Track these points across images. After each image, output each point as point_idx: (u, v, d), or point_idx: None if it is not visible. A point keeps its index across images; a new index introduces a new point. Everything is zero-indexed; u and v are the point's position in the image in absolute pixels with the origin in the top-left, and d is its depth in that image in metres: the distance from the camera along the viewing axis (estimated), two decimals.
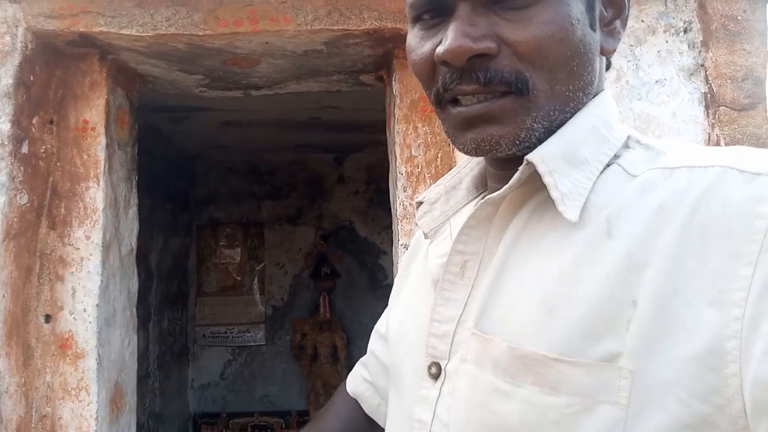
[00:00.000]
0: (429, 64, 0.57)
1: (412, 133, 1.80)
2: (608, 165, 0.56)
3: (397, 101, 1.83)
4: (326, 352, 4.01)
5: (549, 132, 0.56)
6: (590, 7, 0.57)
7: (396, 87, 1.83)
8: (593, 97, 0.60)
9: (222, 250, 4.28)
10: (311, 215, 4.40)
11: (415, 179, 1.79)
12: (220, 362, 4.29)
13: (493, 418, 0.51)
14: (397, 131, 1.82)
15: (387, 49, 1.85)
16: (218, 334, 4.26)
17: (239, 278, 4.30)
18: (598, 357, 0.47)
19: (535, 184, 0.55)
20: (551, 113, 0.55)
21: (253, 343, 4.28)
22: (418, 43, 0.59)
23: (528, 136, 0.55)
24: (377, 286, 4.30)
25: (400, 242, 1.80)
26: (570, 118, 0.57)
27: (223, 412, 4.19)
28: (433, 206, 0.68)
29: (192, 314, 4.26)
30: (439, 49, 0.55)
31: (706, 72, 1.58)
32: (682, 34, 1.59)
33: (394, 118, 1.85)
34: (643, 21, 1.60)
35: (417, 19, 0.59)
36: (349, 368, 3.79)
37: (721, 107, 1.55)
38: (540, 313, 0.51)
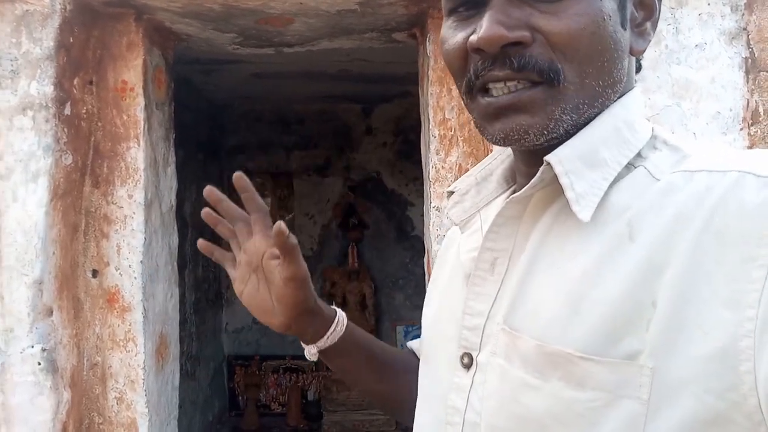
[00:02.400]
0: (461, 53, 0.59)
1: (446, 96, 1.80)
2: (635, 167, 0.58)
3: (431, 62, 1.83)
4: (355, 301, 4.12)
5: (577, 125, 0.57)
6: (621, 6, 0.58)
7: (430, 48, 1.82)
8: (621, 97, 0.61)
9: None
10: (339, 166, 4.42)
11: (448, 142, 1.81)
12: None
13: (523, 409, 0.55)
14: (431, 93, 1.82)
15: (421, 9, 1.83)
16: None
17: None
18: (620, 355, 0.50)
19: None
20: (580, 106, 0.57)
21: None
22: (451, 34, 0.60)
23: (556, 126, 0.57)
24: (404, 237, 4.36)
25: (432, 204, 1.83)
26: (597, 113, 0.58)
27: (256, 354, 4.35)
28: (464, 197, 0.70)
29: None
30: (473, 37, 0.56)
31: (748, 36, 1.54)
32: None
33: (428, 79, 1.85)
34: None
35: (452, 12, 0.61)
36: (377, 316, 3.92)
37: (762, 72, 1.52)
38: (565, 313, 0.54)
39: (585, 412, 0.51)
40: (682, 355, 0.48)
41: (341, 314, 0.82)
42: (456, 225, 0.72)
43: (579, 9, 0.55)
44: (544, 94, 0.56)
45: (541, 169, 0.57)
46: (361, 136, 4.42)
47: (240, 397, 4.31)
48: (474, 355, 0.61)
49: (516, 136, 0.57)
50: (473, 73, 0.58)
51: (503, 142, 0.59)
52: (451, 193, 0.72)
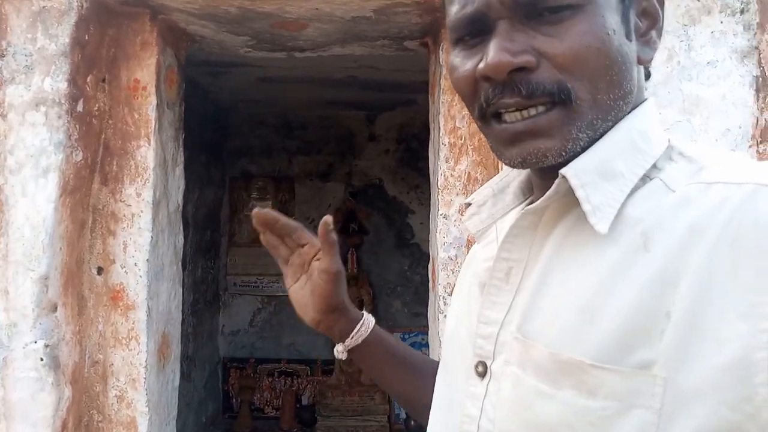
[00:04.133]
0: (471, 81, 0.60)
1: (457, 104, 1.82)
2: (650, 179, 0.58)
3: (443, 71, 1.84)
4: None
5: (593, 141, 0.58)
6: (625, 18, 0.59)
7: (443, 57, 1.84)
8: (634, 108, 0.61)
9: (253, 202, 4.36)
10: (341, 172, 4.43)
11: (458, 150, 1.82)
12: (249, 310, 4.43)
13: (535, 417, 0.55)
14: (442, 102, 1.84)
15: (435, 18, 1.85)
16: (248, 284, 4.38)
17: None
18: (633, 365, 0.50)
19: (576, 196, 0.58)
20: (594, 122, 0.57)
21: (281, 293, 4.39)
22: (460, 62, 0.61)
23: (574, 146, 0.57)
24: (404, 244, 4.37)
25: (440, 212, 1.84)
26: (611, 126, 0.59)
27: (251, 357, 4.34)
28: (481, 209, 0.71)
29: (224, 263, 4.37)
30: (481, 65, 0.58)
31: (759, 55, 1.56)
32: (738, 14, 1.57)
33: (440, 88, 1.86)
34: (699, 0, 1.58)
35: (458, 41, 0.62)
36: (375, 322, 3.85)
37: None
38: (579, 322, 0.54)
39: (596, 421, 0.51)
40: (695, 366, 0.48)
41: (368, 317, 0.88)
42: (472, 235, 0.73)
43: (581, 28, 0.56)
44: (560, 116, 0.56)
45: (556, 181, 0.57)
46: (364, 143, 4.44)
47: (234, 400, 4.29)
48: (488, 363, 0.61)
49: (534, 160, 0.58)
50: (484, 100, 0.59)
51: (521, 165, 0.60)
52: (469, 204, 0.73)
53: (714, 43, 1.57)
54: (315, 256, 0.86)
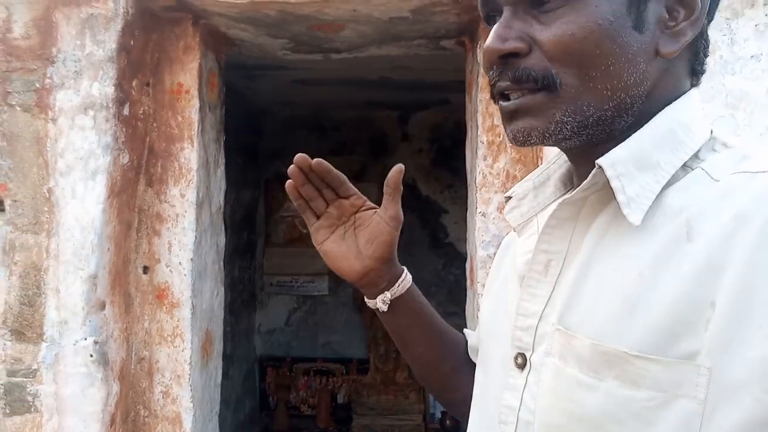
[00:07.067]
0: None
1: None
2: (692, 169, 0.58)
3: (481, 69, 1.85)
4: None
5: (584, 126, 0.59)
6: (635, 9, 0.58)
7: (480, 55, 1.84)
8: (674, 100, 0.61)
9: (289, 203, 4.40)
10: (374, 172, 4.45)
11: (497, 148, 1.82)
12: (285, 310, 4.48)
13: (577, 408, 0.55)
14: (480, 99, 1.84)
15: (472, 17, 1.86)
16: (284, 283, 4.44)
17: (304, 231, 4.43)
18: (677, 355, 0.50)
19: None
20: (584, 108, 0.58)
21: (316, 293, 4.44)
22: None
23: (558, 129, 0.59)
24: (438, 244, 4.37)
25: (478, 210, 1.84)
26: (611, 116, 0.59)
27: (287, 356, 4.40)
28: (522, 202, 0.72)
29: (260, 264, 4.43)
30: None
31: None
32: None
33: (477, 85, 1.87)
34: None
35: (489, 20, 0.65)
36: None
37: None
38: (621, 313, 0.54)
39: (641, 411, 0.51)
40: (740, 356, 0.48)
41: (405, 269, 0.87)
42: (514, 229, 0.73)
43: (571, 17, 0.57)
44: (544, 99, 0.59)
45: (593, 172, 0.58)
46: (397, 143, 4.45)
47: (270, 398, 4.35)
48: (528, 355, 0.62)
49: (521, 137, 0.61)
50: (490, 80, 0.63)
51: (514, 142, 0.63)
52: (509, 198, 0.74)
53: (758, 36, 1.55)
54: (360, 208, 0.84)
